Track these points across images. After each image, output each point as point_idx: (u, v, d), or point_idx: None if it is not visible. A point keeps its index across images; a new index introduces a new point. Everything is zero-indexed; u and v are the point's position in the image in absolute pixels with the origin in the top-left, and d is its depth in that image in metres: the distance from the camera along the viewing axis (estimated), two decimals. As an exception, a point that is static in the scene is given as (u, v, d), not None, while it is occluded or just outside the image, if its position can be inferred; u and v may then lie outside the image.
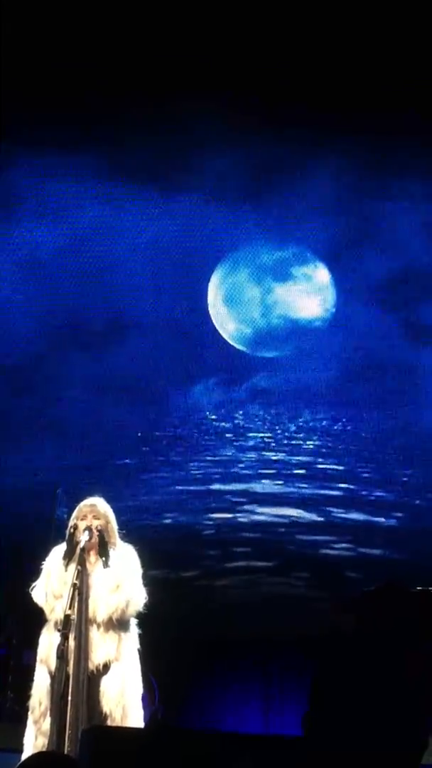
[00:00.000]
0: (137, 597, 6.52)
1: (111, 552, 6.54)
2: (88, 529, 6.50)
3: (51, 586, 6.49)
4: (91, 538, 6.47)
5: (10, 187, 12.46)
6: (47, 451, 11.95)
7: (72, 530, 6.55)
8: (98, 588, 6.40)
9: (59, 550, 6.64)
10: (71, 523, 6.62)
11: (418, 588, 9.33)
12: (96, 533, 6.48)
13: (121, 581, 6.47)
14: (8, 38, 11.71)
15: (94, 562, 6.52)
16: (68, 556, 6.47)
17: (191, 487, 12.18)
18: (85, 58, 11.81)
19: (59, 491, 10.44)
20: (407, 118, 11.76)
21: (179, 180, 12.43)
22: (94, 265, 12.54)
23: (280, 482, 12.24)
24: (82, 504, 6.69)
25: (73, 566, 6.39)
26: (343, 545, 11.85)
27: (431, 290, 12.33)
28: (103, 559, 6.46)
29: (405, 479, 12.13)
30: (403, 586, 9.36)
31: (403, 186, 12.25)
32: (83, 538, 6.46)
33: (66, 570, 6.44)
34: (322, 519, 12.04)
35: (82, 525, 6.55)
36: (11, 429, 12.05)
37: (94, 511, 6.62)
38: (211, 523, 12.01)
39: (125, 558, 6.58)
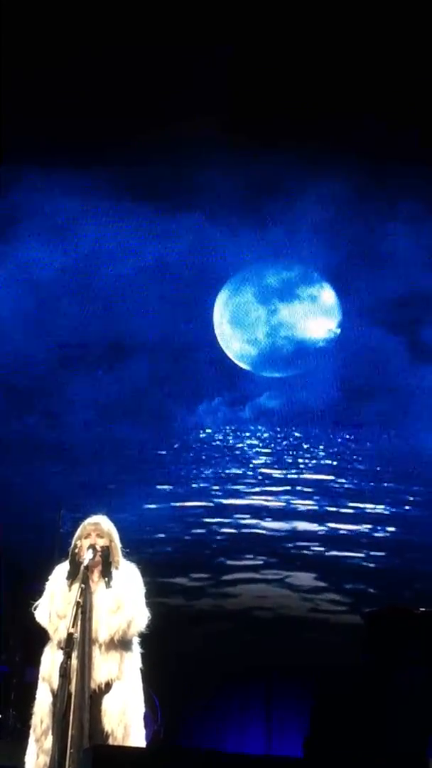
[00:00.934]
0: (139, 617, 6.51)
1: (114, 571, 6.53)
2: (92, 547, 6.49)
3: (55, 606, 6.48)
4: (94, 557, 6.46)
5: (13, 206, 12.49)
6: (50, 469, 11.95)
7: (75, 549, 6.55)
8: (101, 607, 6.39)
9: (62, 569, 6.63)
10: (75, 541, 6.61)
11: (422, 609, 9.37)
12: (99, 552, 6.47)
13: (123, 601, 6.45)
14: (14, 59, 11.78)
15: (97, 580, 6.52)
16: (72, 576, 6.46)
17: (195, 504, 12.20)
18: (91, 78, 11.86)
19: (63, 510, 10.44)
20: (413, 141, 11.82)
21: (184, 200, 12.49)
22: (98, 285, 12.56)
23: (282, 500, 12.26)
24: (86, 522, 6.67)
25: (76, 585, 6.38)
26: (347, 559, 11.87)
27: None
28: (106, 579, 6.45)
29: (408, 498, 12.14)
30: (405, 608, 9.39)
31: (408, 208, 12.31)
32: (87, 556, 6.45)
33: (70, 589, 6.43)
34: (326, 534, 12.06)
35: (85, 543, 6.54)
36: (14, 448, 12.05)
37: (98, 530, 6.59)
38: (214, 540, 12.02)
39: (128, 577, 6.57)
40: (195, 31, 11.77)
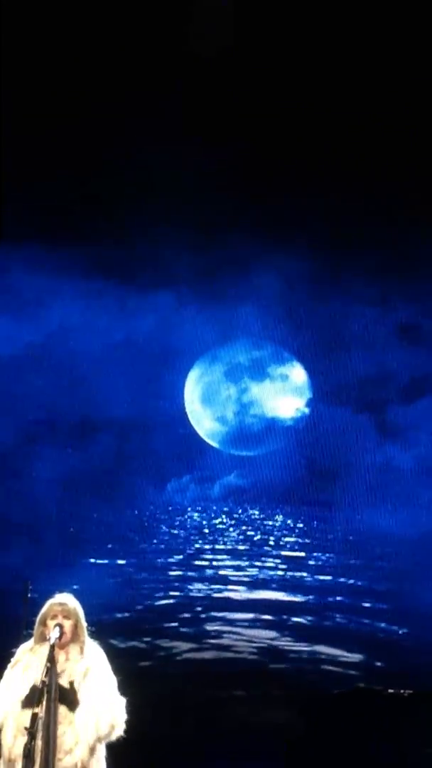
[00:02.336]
0: (112, 726, 6.43)
1: (78, 654, 6.44)
2: (59, 626, 6.42)
3: (16, 689, 6.37)
4: (60, 635, 6.39)
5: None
6: (16, 546, 11.87)
7: (41, 628, 6.47)
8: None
9: (25, 648, 6.53)
10: (40, 620, 6.52)
11: (390, 690, 9.34)
12: (65, 632, 6.40)
13: (93, 702, 6.35)
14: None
15: (63, 661, 6.44)
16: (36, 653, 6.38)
17: (162, 579, 12.16)
18: (64, 160, 11.98)
19: (30, 588, 10.33)
20: (379, 227, 12.01)
21: (153, 279, 12.59)
22: (68, 361, 12.59)
23: (250, 575, 12.24)
24: (52, 601, 6.58)
25: (41, 665, 6.29)
26: (309, 635, 11.86)
27: (402, 392, 12.47)
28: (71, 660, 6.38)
29: (375, 574, 12.17)
30: (372, 689, 9.37)
31: (377, 291, 12.48)
32: (53, 635, 6.38)
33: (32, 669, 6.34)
34: (291, 616, 12.02)
35: (51, 623, 6.47)
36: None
37: (65, 611, 6.49)
38: (178, 618, 11.96)
39: (94, 672, 6.46)
40: (165, 124, 11.94)
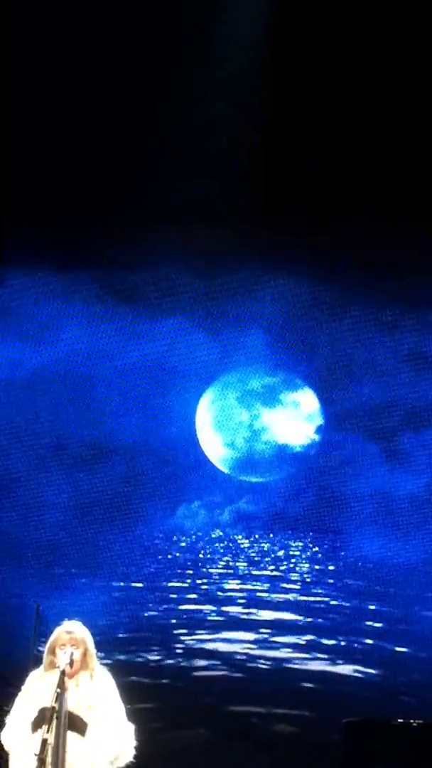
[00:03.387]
0: (122, 752, 6.40)
1: (88, 681, 6.41)
2: (69, 653, 6.40)
3: (27, 713, 6.34)
4: (71, 662, 6.37)
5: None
6: (26, 569, 11.87)
7: (51, 656, 6.43)
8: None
9: (34, 676, 6.50)
10: (49, 648, 6.49)
11: (399, 720, 9.29)
12: (73, 659, 6.37)
13: (103, 729, 6.33)
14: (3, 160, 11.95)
15: (74, 688, 6.41)
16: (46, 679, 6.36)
17: (172, 603, 12.14)
18: (75, 184, 12.02)
19: (40, 610, 10.34)
20: (396, 249, 12.03)
21: (165, 304, 12.60)
22: (78, 385, 12.60)
23: (258, 603, 12.23)
24: (60, 630, 6.55)
25: (50, 691, 6.26)
26: (320, 664, 11.81)
27: (414, 419, 12.46)
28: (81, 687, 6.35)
29: (385, 602, 12.15)
30: (383, 719, 9.32)
31: (390, 317, 12.49)
32: (63, 660, 6.36)
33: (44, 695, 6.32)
34: (300, 641, 12.00)
35: (60, 652, 6.43)
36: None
37: (72, 640, 6.47)
38: (182, 647, 11.94)
39: (104, 699, 6.42)
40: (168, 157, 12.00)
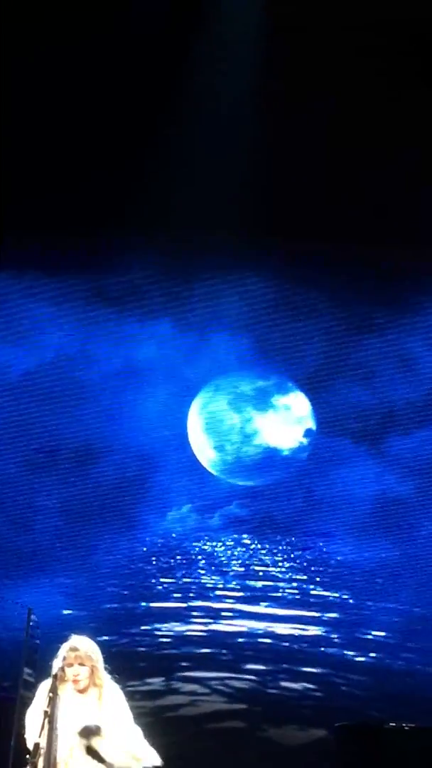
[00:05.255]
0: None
1: (97, 699, 6.36)
2: (63, 658, 6.34)
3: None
4: (78, 683, 6.28)
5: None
6: (18, 574, 11.84)
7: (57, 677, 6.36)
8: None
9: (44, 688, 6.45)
10: (56, 667, 6.40)
11: (392, 724, 9.29)
12: (80, 680, 6.29)
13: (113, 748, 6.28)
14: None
15: (81, 704, 6.32)
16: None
17: (162, 607, 12.14)
18: (64, 187, 12.00)
19: (33, 617, 10.31)
20: (391, 254, 12.06)
21: (154, 307, 12.60)
22: (69, 389, 12.57)
23: (252, 608, 12.22)
24: (66, 648, 6.46)
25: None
26: (311, 669, 11.82)
27: (410, 423, 12.48)
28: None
29: (377, 606, 12.15)
30: (377, 724, 9.31)
31: (382, 321, 12.52)
32: (56, 665, 6.31)
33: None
34: (293, 647, 12.00)
35: (69, 672, 6.35)
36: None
37: (79, 658, 6.39)
38: (176, 646, 11.94)
39: (113, 717, 6.36)
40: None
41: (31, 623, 10.16)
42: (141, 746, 6.24)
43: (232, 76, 11.60)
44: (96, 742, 6.13)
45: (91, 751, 6.12)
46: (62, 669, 6.25)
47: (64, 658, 6.30)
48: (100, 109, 11.62)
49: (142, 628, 12.03)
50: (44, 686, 6.38)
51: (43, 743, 6.07)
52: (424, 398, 12.53)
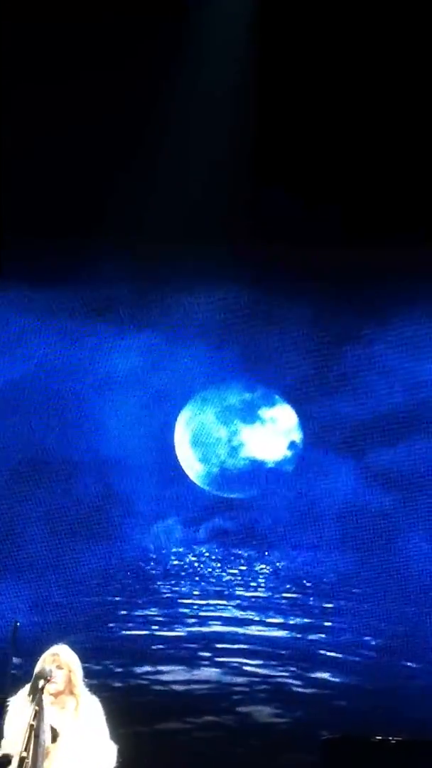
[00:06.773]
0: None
1: (73, 709, 6.37)
2: (49, 670, 6.35)
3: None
4: (50, 679, 6.32)
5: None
6: (3, 586, 11.82)
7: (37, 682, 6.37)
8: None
9: (17, 701, 6.44)
10: (36, 674, 6.43)
11: (378, 737, 9.28)
12: (56, 682, 6.32)
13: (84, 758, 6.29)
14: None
15: (56, 712, 6.34)
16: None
17: (147, 619, 12.13)
18: (50, 199, 12.00)
19: (18, 626, 10.30)
20: (379, 267, 12.09)
21: (141, 318, 12.60)
22: (53, 401, 12.55)
23: (237, 620, 12.22)
24: (45, 654, 6.53)
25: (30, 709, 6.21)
26: (297, 682, 11.81)
27: (394, 435, 12.49)
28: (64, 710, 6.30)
29: (366, 619, 12.16)
30: (361, 736, 9.30)
31: (369, 333, 12.54)
32: (46, 673, 6.32)
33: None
34: (278, 659, 11.99)
35: (45, 669, 6.40)
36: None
37: (56, 661, 6.45)
38: (163, 669, 11.92)
39: (86, 731, 6.37)
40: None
41: (16, 635, 10.16)
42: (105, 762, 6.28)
43: (210, 87, 11.68)
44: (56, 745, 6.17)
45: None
46: (46, 680, 6.27)
47: (44, 660, 6.35)
48: (81, 122, 11.65)
49: (125, 641, 12.03)
50: (21, 697, 6.39)
51: (29, 758, 6.07)
52: (410, 410, 12.54)
